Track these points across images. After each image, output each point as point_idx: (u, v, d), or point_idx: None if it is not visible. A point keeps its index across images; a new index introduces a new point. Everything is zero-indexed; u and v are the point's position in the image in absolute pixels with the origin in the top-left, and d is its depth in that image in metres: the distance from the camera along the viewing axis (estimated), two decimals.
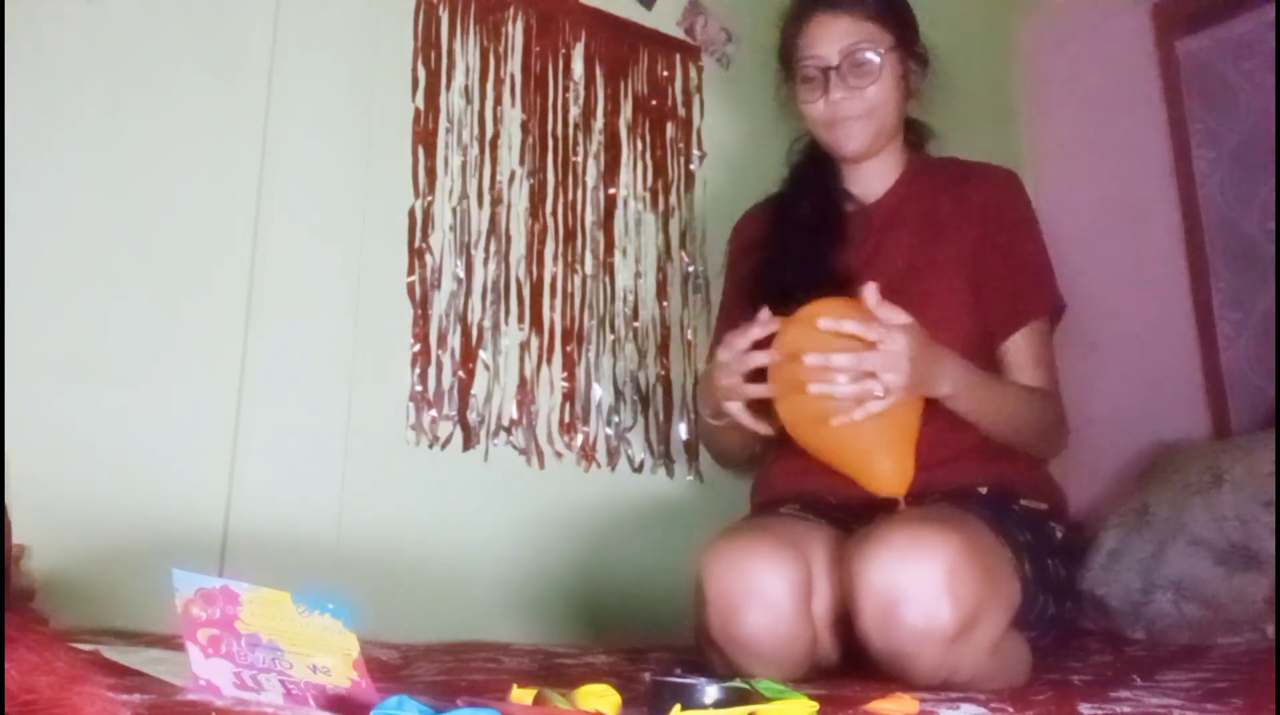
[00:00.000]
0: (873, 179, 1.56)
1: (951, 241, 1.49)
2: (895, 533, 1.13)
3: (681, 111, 2.02)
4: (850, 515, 1.36)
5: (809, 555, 1.24)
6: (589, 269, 1.85)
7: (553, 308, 1.80)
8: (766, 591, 1.19)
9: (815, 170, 1.59)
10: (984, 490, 1.35)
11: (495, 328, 1.73)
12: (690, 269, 1.96)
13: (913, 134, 1.61)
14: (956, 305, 1.45)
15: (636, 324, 1.88)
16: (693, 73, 2.04)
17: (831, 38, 1.47)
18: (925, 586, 1.08)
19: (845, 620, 1.18)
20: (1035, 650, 1.26)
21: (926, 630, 1.08)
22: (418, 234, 1.68)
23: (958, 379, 1.32)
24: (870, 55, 1.46)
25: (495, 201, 1.77)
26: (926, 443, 1.35)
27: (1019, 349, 1.46)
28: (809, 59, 1.48)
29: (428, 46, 1.75)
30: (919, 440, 1.33)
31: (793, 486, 1.43)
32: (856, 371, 1.22)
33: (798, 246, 1.52)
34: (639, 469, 1.83)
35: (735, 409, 1.34)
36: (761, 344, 1.31)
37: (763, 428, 1.35)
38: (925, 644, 1.08)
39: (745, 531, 1.28)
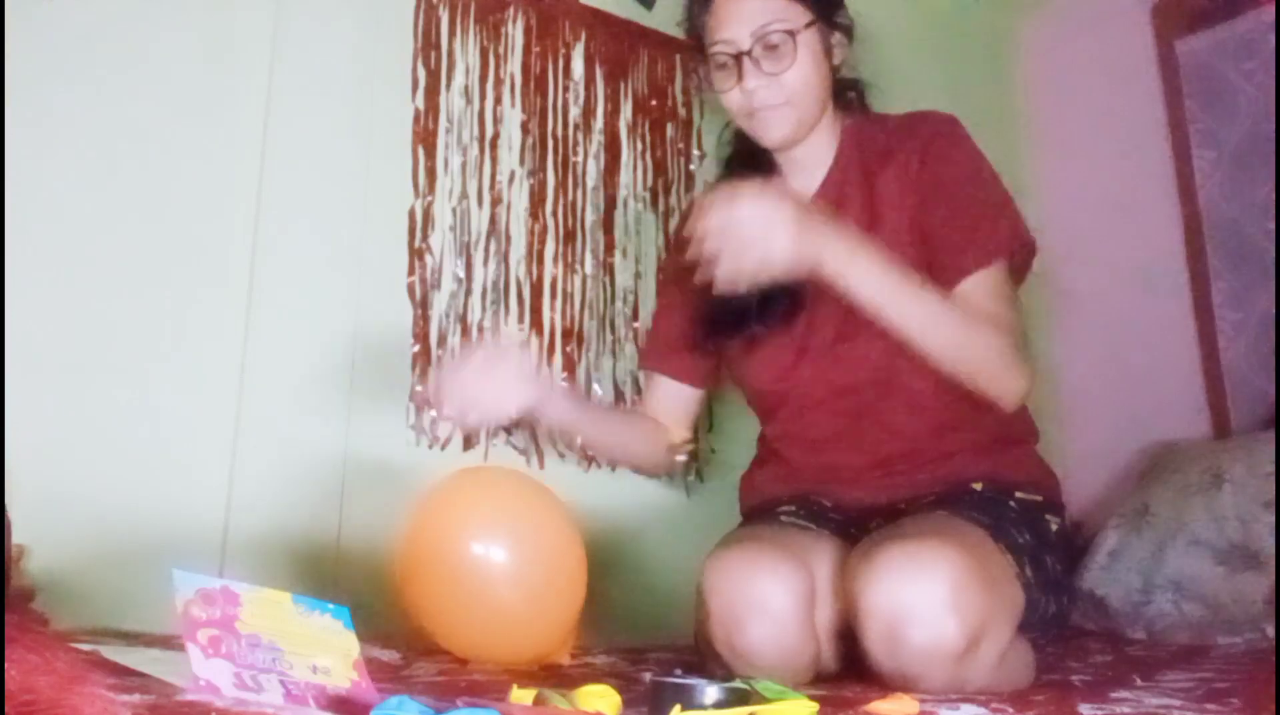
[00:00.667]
0: (808, 163, 1.43)
1: (892, 213, 1.36)
2: (896, 551, 1.10)
3: (681, 111, 2.02)
4: (849, 520, 1.35)
5: (812, 565, 1.22)
6: (589, 269, 1.85)
7: (553, 308, 1.80)
8: (770, 603, 1.17)
9: (748, 164, 1.46)
10: (979, 486, 1.33)
11: (495, 328, 1.73)
12: None
13: (848, 92, 1.48)
14: None
15: (636, 324, 1.87)
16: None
17: (741, 19, 1.32)
18: (929, 606, 1.06)
19: (848, 630, 1.17)
20: (1036, 649, 1.26)
21: (933, 650, 1.06)
22: (418, 234, 1.68)
23: (839, 251, 1.17)
24: (784, 37, 1.31)
25: (495, 201, 1.77)
26: (920, 440, 1.35)
27: (966, 296, 1.29)
28: (718, 43, 1.34)
29: (428, 47, 1.75)
30: (915, 441, 1.32)
31: (785, 489, 1.43)
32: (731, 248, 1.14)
33: None
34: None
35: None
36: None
37: None
38: (932, 663, 1.07)
39: (747, 542, 1.25)
